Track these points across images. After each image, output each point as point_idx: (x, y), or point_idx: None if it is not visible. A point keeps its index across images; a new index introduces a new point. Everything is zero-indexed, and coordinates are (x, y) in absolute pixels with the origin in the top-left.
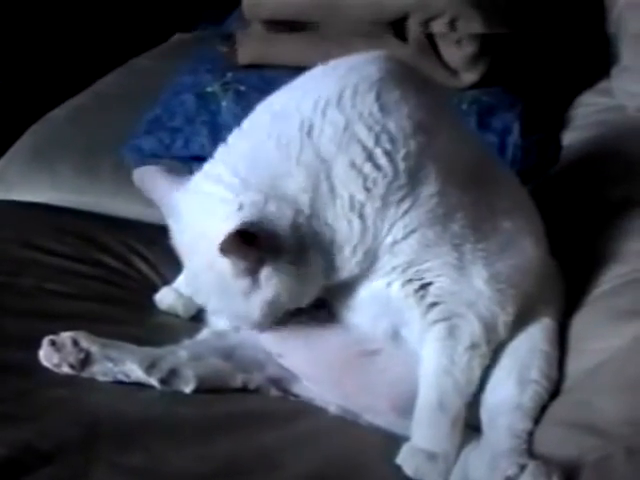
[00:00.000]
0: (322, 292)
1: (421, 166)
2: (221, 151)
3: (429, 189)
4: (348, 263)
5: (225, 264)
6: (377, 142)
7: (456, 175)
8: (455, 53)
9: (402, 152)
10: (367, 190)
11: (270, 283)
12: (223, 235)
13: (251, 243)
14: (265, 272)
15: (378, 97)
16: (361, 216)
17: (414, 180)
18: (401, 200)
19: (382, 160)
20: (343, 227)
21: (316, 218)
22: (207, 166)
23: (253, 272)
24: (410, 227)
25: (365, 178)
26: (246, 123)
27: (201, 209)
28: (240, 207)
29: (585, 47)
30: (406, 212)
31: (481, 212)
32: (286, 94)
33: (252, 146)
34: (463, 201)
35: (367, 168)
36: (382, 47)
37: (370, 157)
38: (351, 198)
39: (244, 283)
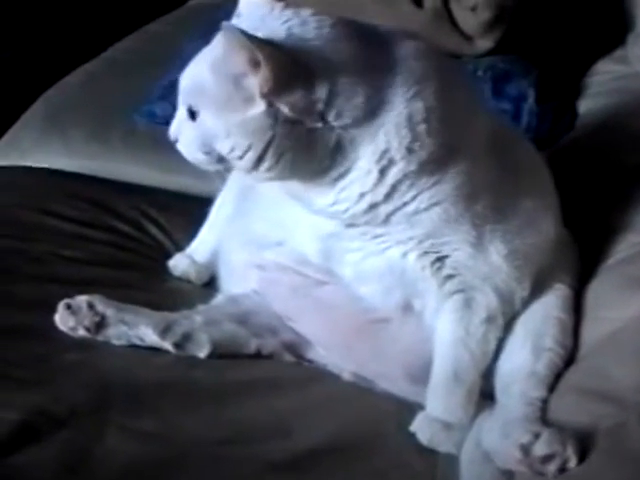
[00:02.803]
0: (330, 260)
1: (460, 144)
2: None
3: (459, 167)
4: (352, 205)
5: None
6: (437, 108)
7: (484, 156)
8: (470, 19)
9: (450, 127)
10: (408, 150)
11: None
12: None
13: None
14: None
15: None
16: (382, 172)
17: (450, 155)
18: (434, 171)
19: (436, 125)
20: (362, 168)
21: (354, 136)
22: None
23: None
24: (435, 199)
25: (414, 138)
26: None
27: None
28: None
29: (601, 14)
30: (435, 184)
31: (504, 192)
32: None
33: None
34: (488, 182)
35: (421, 128)
36: (397, 12)
37: (428, 119)
38: (384, 152)
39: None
